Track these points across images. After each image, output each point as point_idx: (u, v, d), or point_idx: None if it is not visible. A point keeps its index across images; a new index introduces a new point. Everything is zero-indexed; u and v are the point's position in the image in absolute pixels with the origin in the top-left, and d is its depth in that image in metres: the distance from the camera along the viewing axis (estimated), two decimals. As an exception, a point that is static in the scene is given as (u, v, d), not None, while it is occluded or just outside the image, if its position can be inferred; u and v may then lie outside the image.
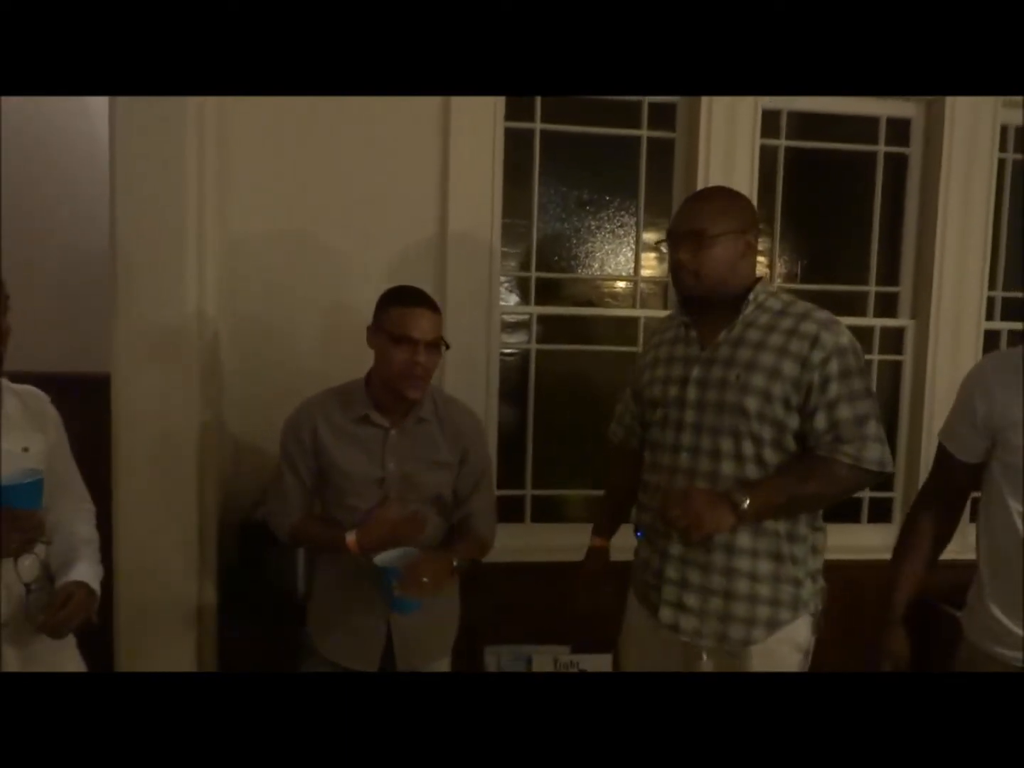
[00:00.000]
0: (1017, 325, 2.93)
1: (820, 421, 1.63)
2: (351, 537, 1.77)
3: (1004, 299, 2.97)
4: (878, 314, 2.93)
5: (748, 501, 1.59)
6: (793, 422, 1.66)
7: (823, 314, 1.70)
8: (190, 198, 2.21)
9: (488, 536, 1.97)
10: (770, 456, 1.67)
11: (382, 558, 1.74)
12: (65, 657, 1.60)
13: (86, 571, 1.58)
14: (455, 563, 1.81)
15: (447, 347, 1.86)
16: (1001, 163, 2.85)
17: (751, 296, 1.73)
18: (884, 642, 1.67)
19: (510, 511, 2.81)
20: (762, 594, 1.68)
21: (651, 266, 2.88)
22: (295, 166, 2.47)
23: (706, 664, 1.73)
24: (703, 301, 1.75)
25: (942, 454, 1.64)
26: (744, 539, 1.66)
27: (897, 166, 2.89)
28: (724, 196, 1.80)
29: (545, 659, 2.64)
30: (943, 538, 1.63)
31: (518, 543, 2.74)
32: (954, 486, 1.63)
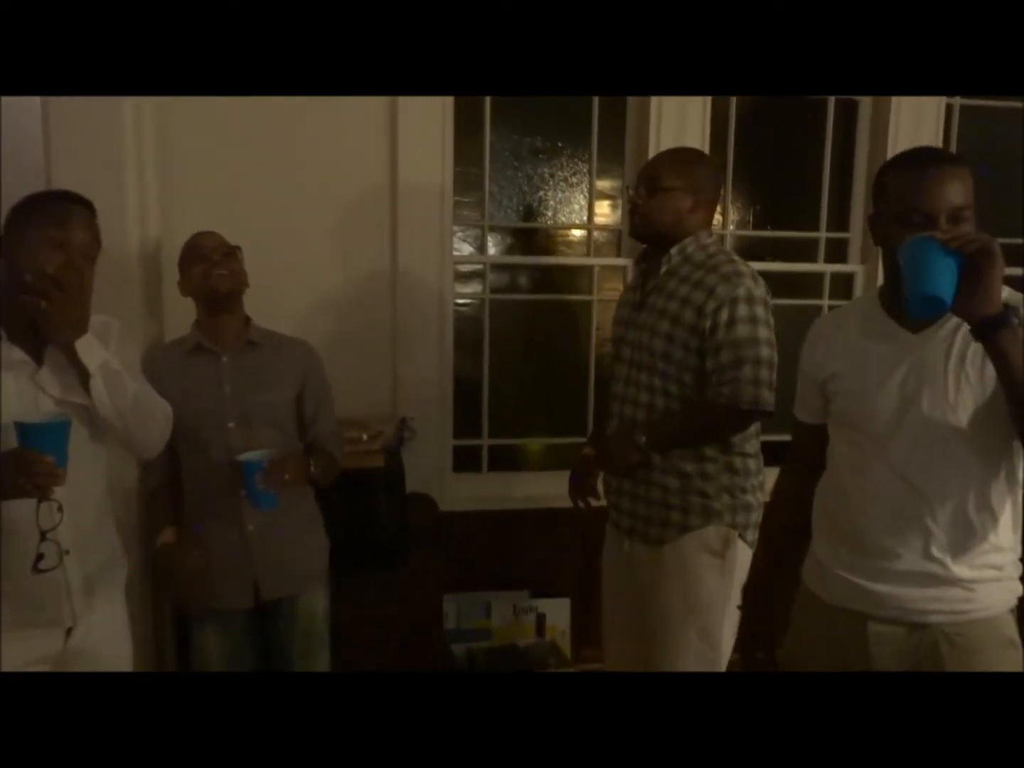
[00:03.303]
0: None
1: (708, 364, 1.85)
2: (164, 537, 1.88)
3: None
4: (828, 260, 2.96)
5: (644, 439, 1.88)
6: (692, 362, 1.87)
7: (729, 267, 1.87)
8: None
9: (337, 455, 2.05)
10: (675, 390, 1.90)
11: (246, 455, 1.82)
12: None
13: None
14: (312, 467, 1.91)
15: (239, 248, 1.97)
16: (949, 108, 2.87)
17: (675, 248, 1.91)
18: (743, 655, 1.72)
19: (467, 460, 2.83)
20: (672, 502, 1.92)
21: (604, 214, 2.87)
22: (241, 110, 2.39)
23: (632, 552, 2.00)
24: (653, 248, 1.97)
25: (793, 422, 1.67)
26: (656, 459, 1.92)
27: (847, 112, 2.90)
28: (688, 155, 2.04)
29: (504, 605, 2.69)
30: (806, 504, 1.61)
31: (475, 492, 2.77)
32: (805, 450, 1.63)
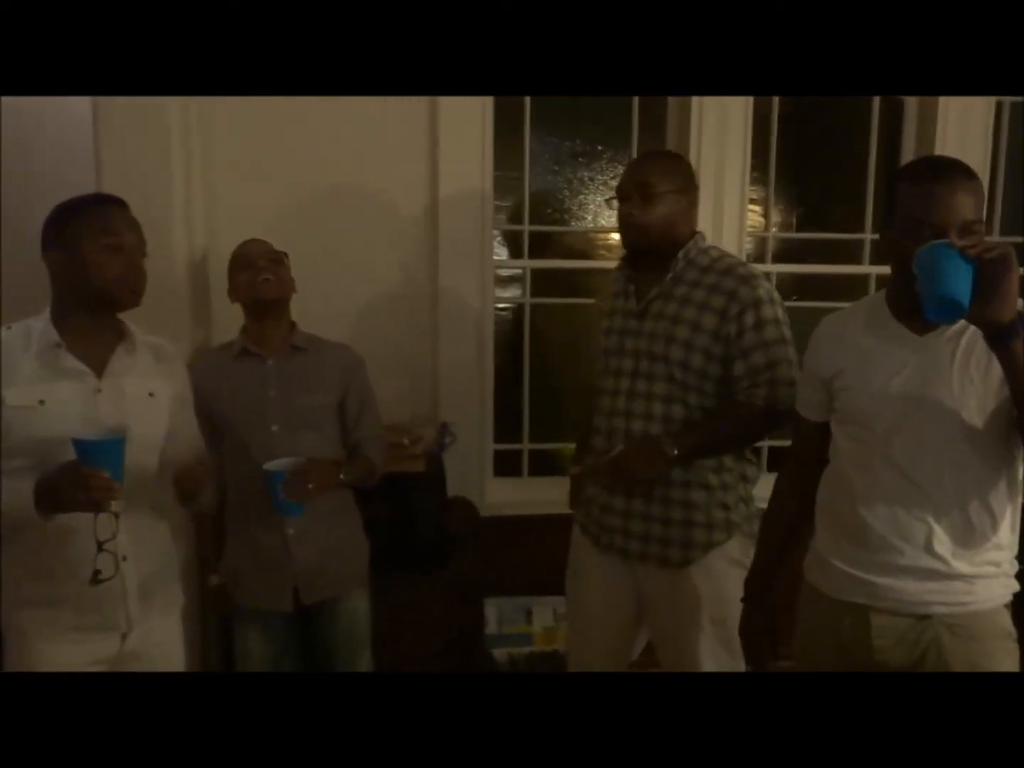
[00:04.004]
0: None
1: (738, 368, 1.82)
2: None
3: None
4: (873, 262, 2.91)
5: (676, 450, 1.77)
6: (714, 370, 1.83)
7: (744, 270, 1.87)
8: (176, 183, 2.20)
9: (377, 460, 2.05)
10: (694, 400, 1.84)
11: (271, 464, 1.83)
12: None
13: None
14: (342, 475, 1.91)
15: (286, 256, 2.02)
16: (999, 106, 2.81)
17: (681, 254, 1.87)
18: (742, 623, 1.75)
19: (507, 465, 2.83)
20: (696, 519, 1.85)
21: (645, 217, 2.85)
22: (284, 117, 2.42)
23: (645, 577, 1.90)
24: (645, 256, 1.90)
25: (797, 420, 1.69)
26: (677, 472, 1.83)
27: (893, 111, 2.85)
28: (668, 157, 2.03)
29: (545, 610, 2.67)
30: (807, 500, 1.64)
31: (516, 497, 2.76)
32: (807, 447, 1.66)
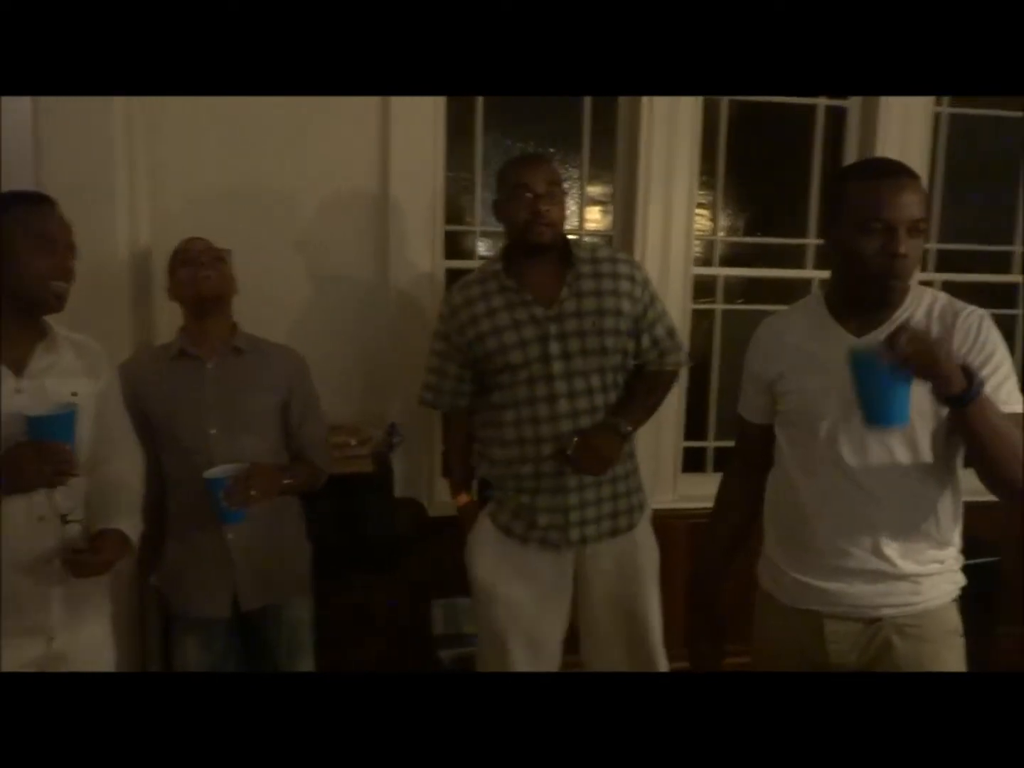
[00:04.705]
0: (954, 276, 3.00)
1: (644, 340, 2.01)
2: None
3: (939, 251, 3.04)
4: (816, 266, 2.97)
5: (629, 427, 1.94)
6: (629, 346, 1.99)
7: (620, 254, 2.08)
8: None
9: (322, 464, 2.02)
10: (620, 380, 2.00)
11: (210, 472, 1.79)
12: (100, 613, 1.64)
13: (125, 522, 1.58)
14: (286, 480, 1.87)
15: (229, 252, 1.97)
16: (936, 116, 2.89)
17: (576, 252, 1.96)
18: (691, 654, 1.74)
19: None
20: (632, 486, 2.04)
21: (595, 219, 2.87)
22: (232, 114, 2.38)
23: (597, 557, 2.00)
24: (539, 256, 1.93)
25: (738, 419, 1.70)
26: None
27: (836, 118, 2.92)
28: (549, 159, 2.13)
29: (493, 610, 2.68)
30: (752, 503, 1.66)
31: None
32: (751, 450, 1.67)
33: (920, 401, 1.40)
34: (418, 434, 2.61)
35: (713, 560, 1.73)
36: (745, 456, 1.71)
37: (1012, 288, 3.10)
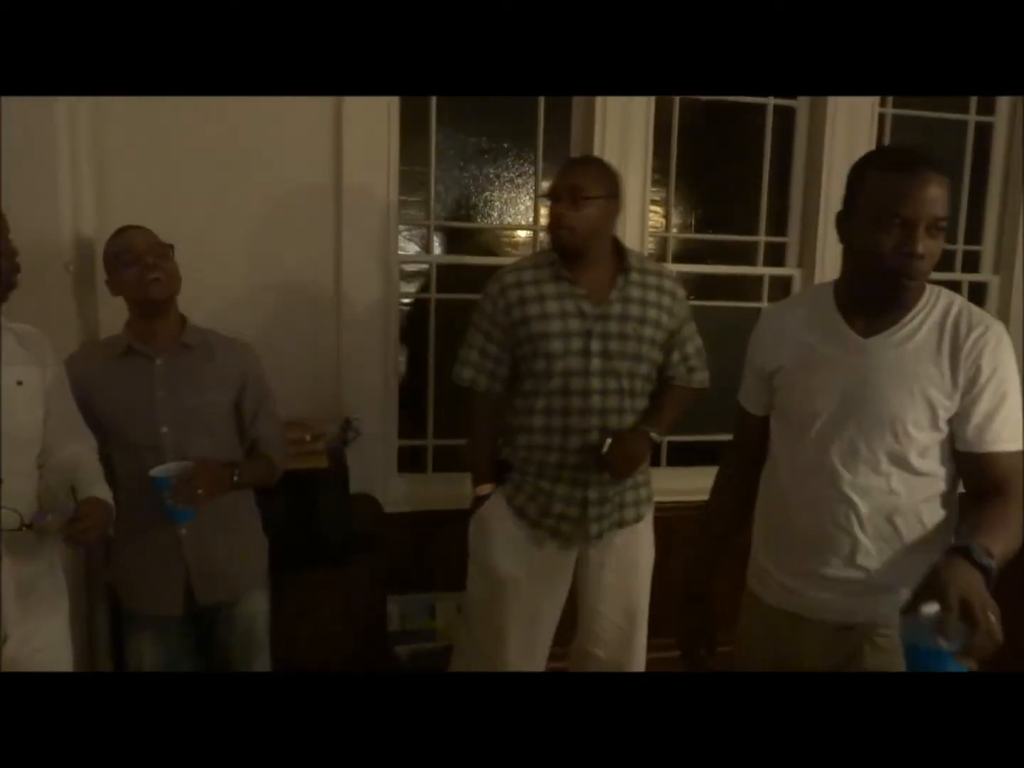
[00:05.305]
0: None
1: (675, 356, 2.10)
2: None
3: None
4: (767, 263, 3.03)
5: (660, 436, 2.04)
6: (660, 359, 2.08)
7: (667, 269, 2.18)
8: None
9: (276, 459, 1.99)
10: (648, 387, 2.07)
11: (157, 470, 1.76)
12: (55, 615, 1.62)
13: (98, 489, 1.59)
14: (235, 477, 1.84)
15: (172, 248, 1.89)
16: (881, 117, 2.96)
17: (631, 258, 2.03)
18: (678, 619, 1.68)
19: (412, 461, 2.82)
20: (639, 481, 2.11)
21: (550, 216, 2.88)
22: (179, 106, 2.34)
23: (603, 547, 2.08)
24: (579, 257, 1.99)
25: (738, 410, 1.64)
26: None
27: (785, 118, 2.97)
28: (600, 163, 2.10)
29: (449, 606, 2.68)
30: (749, 495, 1.61)
31: (420, 493, 2.76)
32: (748, 440, 1.62)
33: (919, 417, 1.34)
34: (374, 429, 2.60)
35: (706, 553, 1.69)
36: (741, 447, 1.65)
37: (954, 285, 3.19)
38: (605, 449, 1.94)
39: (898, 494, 1.40)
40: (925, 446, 1.38)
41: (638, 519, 2.11)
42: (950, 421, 1.38)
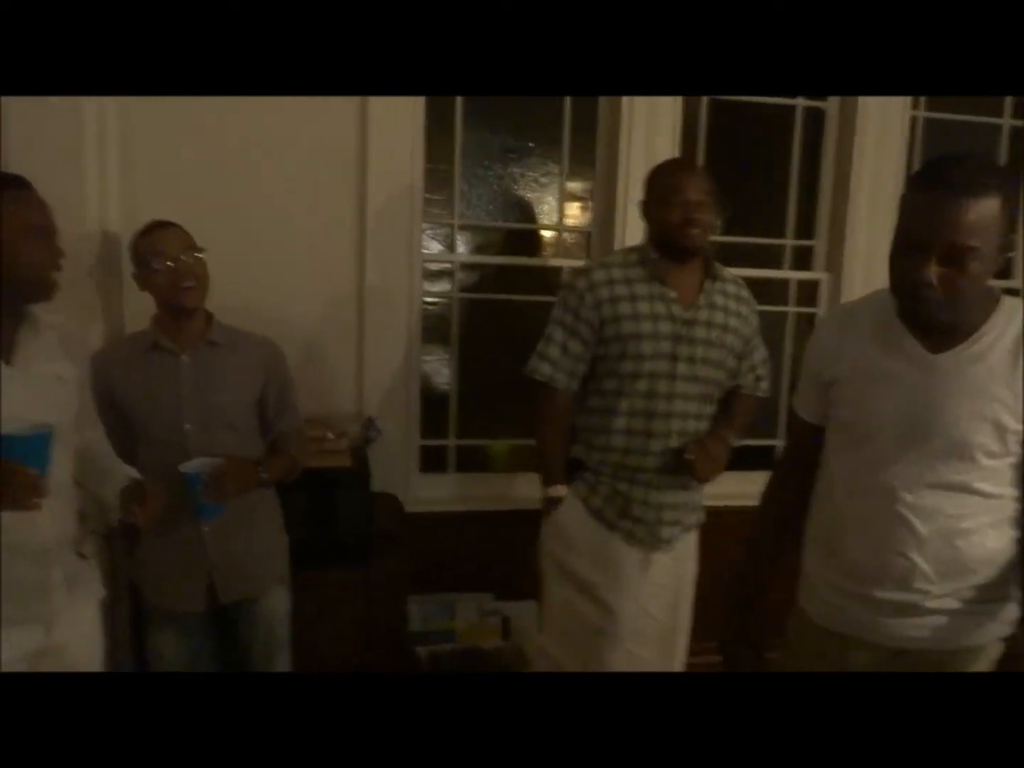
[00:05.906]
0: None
1: (744, 364, 2.12)
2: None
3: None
4: (794, 267, 2.99)
5: (734, 439, 2.05)
6: (735, 366, 2.09)
7: (739, 278, 2.14)
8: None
9: (298, 455, 1.99)
10: (719, 394, 2.09)
11: (187, 465, 1.76)
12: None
13: (133, 471, 1.67)
14: (262, 474, 1.86)
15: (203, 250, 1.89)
16: (913, 120, 2.92)
17: (717, 265, 2.05)
18: (726, 655, 1.64)
19: (433, 461, 2.81)
20: (696, 488, 2.09)
21: (574, 215, 2.87)
22: (208, 103, 2.34)
23: (665, 550, 2.05)
24: (687, 259, 1.99)
25: (793, 418, 1.58)
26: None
27: (815, 121, 2.94)
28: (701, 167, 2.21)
29: (468, 607, 2.67)
30: (799, 502, 1.55)
31: (441, 493, 2.75)
32: (802, 448, 1.55)
33: (987, 441, 1.27)
34: (396, 429, 2.60)
35: (756, 560, 1.62)
36: (795, 454, 1.58)
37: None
38: (689, 454, 1.95)
39: (962, 517, 1.32)
40: (994, 469, 1.31)
41: (698, 524, 2.13)
42: (1022, 443, 1.31)
